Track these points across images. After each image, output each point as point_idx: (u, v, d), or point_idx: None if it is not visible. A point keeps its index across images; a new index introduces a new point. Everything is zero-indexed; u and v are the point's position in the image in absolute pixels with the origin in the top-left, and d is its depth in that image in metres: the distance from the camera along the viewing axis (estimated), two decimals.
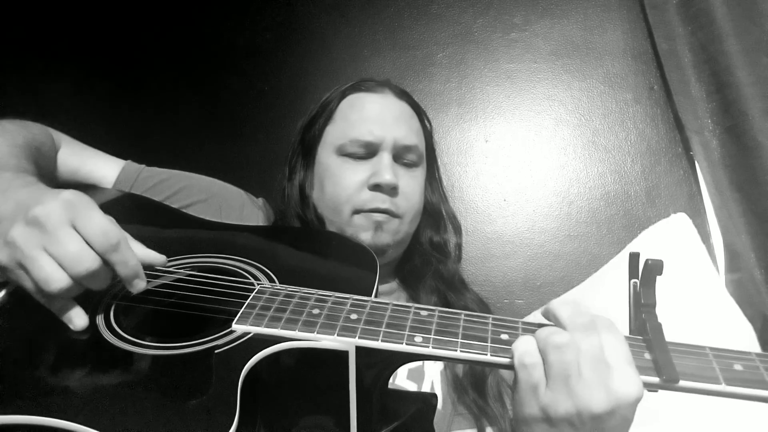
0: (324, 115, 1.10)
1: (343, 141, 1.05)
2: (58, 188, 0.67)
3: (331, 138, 1.08)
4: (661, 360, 0.58)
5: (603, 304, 0.66)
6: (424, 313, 0.65)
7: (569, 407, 0.56)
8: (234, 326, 0.63)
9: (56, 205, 0.62)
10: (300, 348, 0.62)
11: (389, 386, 0.67)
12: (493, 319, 0.65)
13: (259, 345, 0.61)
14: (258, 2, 1.63)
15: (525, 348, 0.59)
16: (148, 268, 0.68)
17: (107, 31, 1.65)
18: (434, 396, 0.71)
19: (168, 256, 0.78)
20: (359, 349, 0.61)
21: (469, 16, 1.55)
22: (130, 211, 0.95)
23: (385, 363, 0.64)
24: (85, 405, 0.56)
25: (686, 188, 1.39)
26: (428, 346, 0.61)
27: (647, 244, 1.28)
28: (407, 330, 0.62)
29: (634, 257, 0.64)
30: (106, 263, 0.63)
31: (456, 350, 0.60)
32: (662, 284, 0.63)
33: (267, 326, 0.63)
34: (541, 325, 0.63)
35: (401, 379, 0.95)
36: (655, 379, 0.57)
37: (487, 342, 0.61)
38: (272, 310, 0.65)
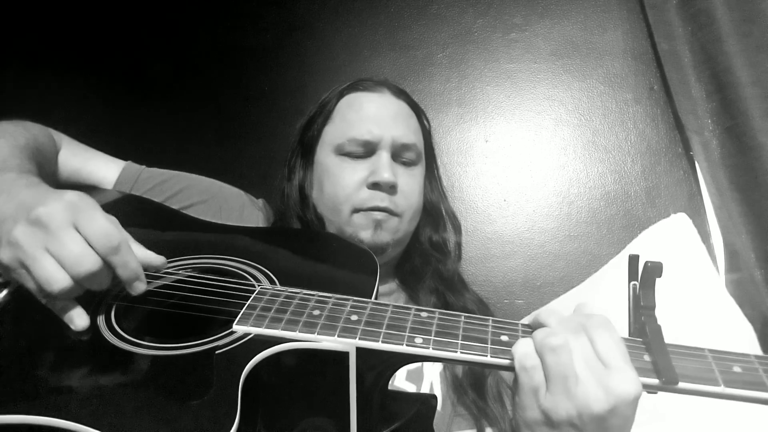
0: (322, 115, 1.11)
1: (341, 140, 1.05)
2: (60, 189, 0.68)
3: (330, 138, 1.08)
4: (661, 362, 0.58)
5: (603, 304, 0.66)
6: (424, 314, 0.65)
7: (569, 409, 0.56)
8: (235, 327, 0.63)
9: (59, 206, 0.62)
10: (301, 349, 0.62)
11: (389, 387, 0.67)
12: (493, 320, 0.65)
13: (259, 346, 0.61)
14: (258, 2, 1.63)
15: (524, 350, 0.59)
16: (149, 270, 0.68)
17: (107, 32, 1.65)
18: (434, 397, 0.71)
19: (168, 257, 0.78)
20: (360, 350, 0.61)
21: (469, 16, 1.55)
22: (131, 212, 0.95)
23: (385, 364, 0.64)
24: (86, 405, 0.56)
25: (686, 188, 1.39)
26: (428, 348, 0.61)
27: (647, 244, 1.28)
28: (407, 331, 0.63)
29: (633, 259, 0.64)
30: (107, 265, 0.63)
31: (456, 351, 0.60)
32: (662, 284, 0.63)
33: (268, 327, 0.63)
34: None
35: (400, 380, 0.95)
36: (655, 381, 0.58)
37: (487, 343, 0.61)
38: (273, 311, 0.65)
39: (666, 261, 0.62)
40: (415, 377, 0.96)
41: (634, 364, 0.58)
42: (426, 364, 0.98)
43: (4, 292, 0.70)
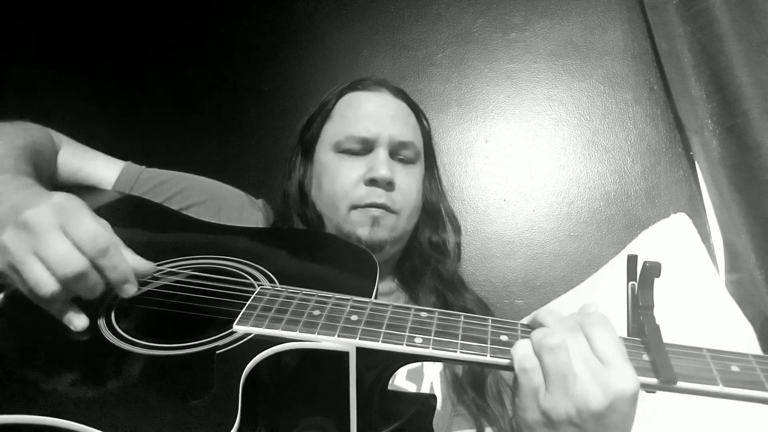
0: (322, 114, 1.12)
1: (339, 138, 1.06)
2: (56, 190, 0.68)
3: (329, 136, 1.09)
4: (659, 361, 0.58)
5: (603, 304, 0.66)
6: (424, 314, 0.66)
7: (569, 408, 0.56)
8: (235, 327, 0.63)
9: (46, 208, 0.62)
10: (301, 349, 0.62)
11: (388, 386, 0.67)
12: (493, 320, 0.65)
13: (260, 346, 0.61)
14: (258, 2, 1.63)
15: (523, 352, 0.59)
16: (136, 277, 0.68)
17: (107, 32, 1.65)
18: (434, 397, 0.71)
19: (168, 258, 0.79)
20: (360, 350, 0.61)
21: (469, 16, 1.55)
22: (130, 212, 0.96)
23: (385, 364, 0.64)
24: (86, 405, 0.57)
25: (686, 188, 1.39)
26: (428, 347, 0.61)
27: (647, 244, 1.28)
28: (407, 331, 0.63)
29: (632, 259, 0.65)
30: (97, 268, 0.63)
31: (456, 351, 0.61)
32: (662, 284, 0.63)
33: (268, 327, 0.63)
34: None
35: (400, 380, 0.95)
36: (653, 380, 0.58)
37: (486, 343, 0.62)
38: (273, 311, 0.65)
39: (666, 261, 0.63)
40: (416, 376, 0.96)
41: (632, 364, 0.58)
42: (426, 363, 0.98)
43: (2, 294, 0.70)
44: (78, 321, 0.65)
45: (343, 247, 0.91)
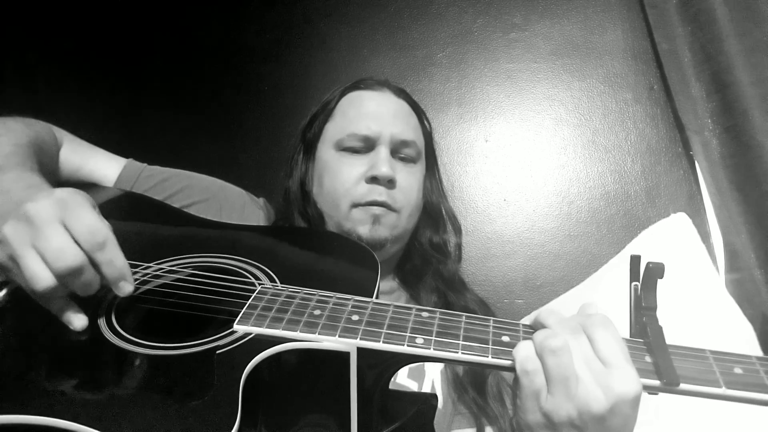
0: (324, 113, 1.12)
1: (341, 136, 1.06)
2: (59, 187, 0.68)
3: (331, 134, 1.09)
4: (662, 363, 0.58)
5: (602, 304, 0.66)
6: (425, 314, 0.65)
7: (570, 410, 0.56)
8: (235, 327, 0.63)
9: (47, 202, 0.62)
10: (301, 349, 0.62)
11: (390, 385, 0.67)
12: (494, 320, 0.65)
13: (260, 346, 0.61)
14: (258, 2, 1.63)
15: (525, 354, 0.59)
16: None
17: (108, 31, 1.65)
18: (434, 396, 0.71)
19: (169, 256, 0.79)
20: (361, 350, 0.61)
21: (469, 16, 1.55)
22: (131, 210, 0.96)
23: (386, 364, 0.64)
24: (86, 405, 0.57)
25: (686, 188, 1.39)
26: (429, 348, 0.61)
27: (647, 243, 1.28)
28: (408, 331, 0.62)
29: (635, 260, 0.64)
30: (93, 264, 0.63)
31: (457, 352, 0.60)
32: (662, 284, 0.63)
33: (268, 327, 0.63)
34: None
35: (402, 378, 0.95)
36: (656, 382, 0.58)
37: (488, 344, 0.61)
38: (274, 310, 0.65)
39: (666, 261, 0.62)
40: (417, 375, 0.96)
41: (635, 365, 0.57)
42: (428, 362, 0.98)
43: (4, 291, 0.70)
44: (77, 321, 0.65)
45: (345, 245, 0.91)
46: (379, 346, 0.61)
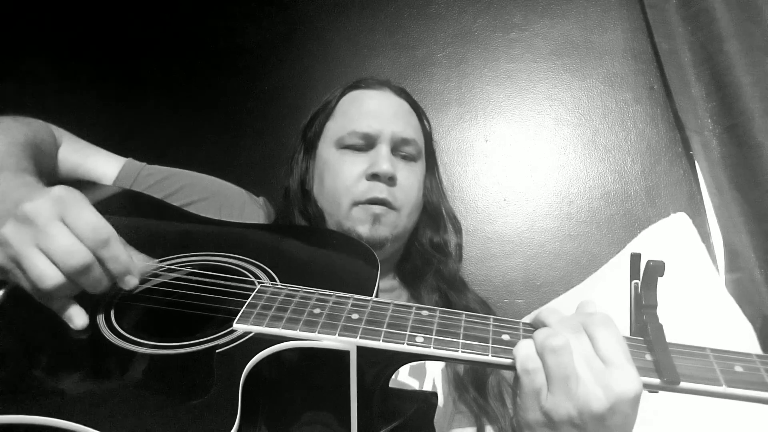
0: (324, 112, 1.13)
1: (342, 134, 1.07)
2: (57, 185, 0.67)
3: (331, 133, 1.09)
4: (662, 361, 0.58)
5: (602, 304, 0.66)
6: (425, 313, 0.65)
7: (570, 408, 0.56)
8: (235, 325, 0.63)
9: (45, 201, 0.62)
10: (301, 348, 0.62)
11: (391, 382, 0.67)
12: (494, 319, 0.65)
13: (260, 345, 0.61)
14: (258, 2, 1.63)
15: (526, 353, 0.59)
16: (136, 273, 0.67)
17: (109, 30, 1.65)
18: (434, 395, 0.71)
19: (168, 254, 0.79)
20: (360, 349, 0.61)
21: (469, 16, 1.55)
22: (131, 208, 0.96)
23: (386, 363, 0.64)
24: (86, 405, 0.56)
25: (686, 188, 1.39)
26: (429, 347, 0.61)
27: (647, 243, 1.28)
28: (408, 330, 0.62)
29: (635, 258, 0.64)
30: (98, 260, 0.63)
31: (457, 351, 0.60)
32: (662, 284, 0.63)
33: (268, 326, 0.62)
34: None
35: (403, 376, 0.95)
36: (656, 381, 0.58)
37: (488, 343, 0.61)
38: (273, 309, 0.65)
39: (666, 260, 0.62)
40: (418, 373, 0.96)
41: (635, 364, 0.57)
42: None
43: (2, 291, 0.70)
44: (78, 319, 0.65)
45: (344, 243, 0.91)
46: (379, 344, 0.61)
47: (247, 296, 0.67)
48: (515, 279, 1.39)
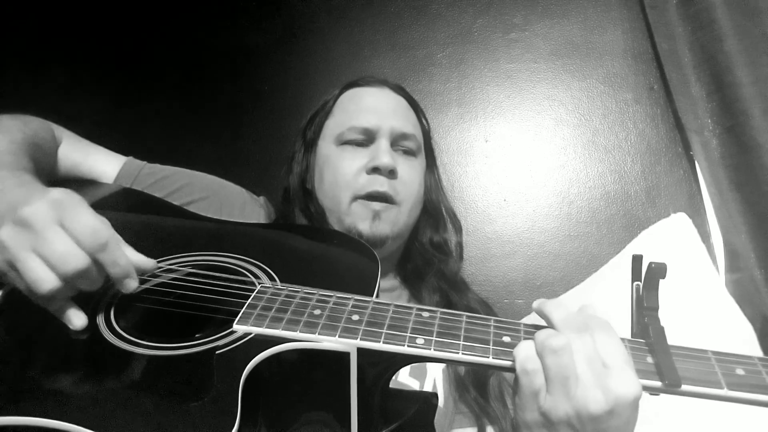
0: (323, 111, 1.13)
1: (341, 130, 1.07)
2: (55, 185, 0.67)
3: (331, 130, 1.10)
4: (664, 364, 0.57)
5: (602, 305, 0.65)
6: (425, 314, 0.65)
7: (568, 409, 0.56)
8: (235, 326, 0.63)
9: (43, 204, 0.61)
10: (301, 349, 0.61)
11: (391, 383, 0.67)
12: (495, 321, 0.65)
13: (260, 346, 0.61)
14: (258, 2, 1.63)
15: (526, 354, 0.59)
16: (138, 273, 0.67)
17: (109, 30, 1.65)
18: (435, 395, 0.70)
19: (168, 254, 0.78)
20: (361, 351, 0.61)
21: (469, 16, 1.55)
22: (131, 207, 0.95)
23: (386, 364, 0.64)
24: (85, 406, 0.56)
25: (686, 188, 1.39)
26: (430, 349, 0.61)
27: (647, 244, 1.28)
28: (409, 332, 0.62)
29: (637, 260, 0.64)
30: (96, 263, 0.62)
31: (458, 353, 0.60)
32: (662, 284, 0.63)
33: (268, 327, 0.62)
34: (541, 328, 0.63)
35: (404, 376, 0.95)
36: (657, 383, 0.57)
37: (489, 345, 0.61)
38: (273, 310, 0.65)
39: (666, 261, 0.62)
40: (419, 374, 0.96)
41: (636, 366, 0.57)
42: None
43: (1, 292, 0.69)
44: (77, 320, 0.64)
45: (345, 242, 0.91)
46: (379, 346, 0.61)
47: (247, 297, 0.67)
48: (515, 279, 1.39)
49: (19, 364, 0.62)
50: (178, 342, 0.63)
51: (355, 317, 0.64)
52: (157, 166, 1.06)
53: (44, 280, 0.60)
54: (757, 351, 1.14)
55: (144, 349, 0.63)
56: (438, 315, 0.65)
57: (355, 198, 1.02)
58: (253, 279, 0.73)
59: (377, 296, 0.71)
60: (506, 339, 0.62)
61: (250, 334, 0.63)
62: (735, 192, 1.27)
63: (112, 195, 0.97)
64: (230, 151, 1.54)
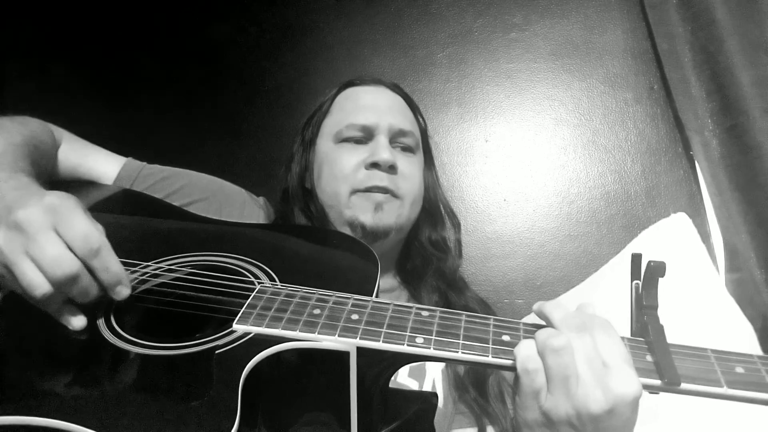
0: (321, 111, 1.14)
1: (339, 128, 1.07)
2: (55, 186, 0.67)
3: (329, 129, 1.10)
4: (663, 362, 0.57)
5: (602, 304, 0.65)
6: (425, 313, 0.65)
7: (569, 409, 0.56)
8: (235, 326, 0.63)
9: (38, 209, 0.62)
10: (301, 348, 0.61)
11: (390, 383, 0.67)
12: (495, 320, 0.65)
13: (260, 345, 0.61)
14: (258, 2, 1.63)
15: (527, 353, 0.59)
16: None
17: (109, 30, 1.65)
18: (435, 395, 0.71)
19: (168, 254, 0.78)
20: (360, 350, 0.61)
21: (469, 16, 1.55)
22: (131, 208, 0.95)
23: (386, 364, 0.64)
24: (86, 406, 0.56)
25: (686, 188, 1.39)
26: (429, 348, 0.61)
27: (647, 244, 1.28)
28: (408, 331, 0.62)
29: (636, 258, 0.64)
30: (88, 270, 0.63)
31: (457, 351, 0.60)
32: (662, 284, 0.63)
33: (268, 326, 0.62)
34: (540, 327, 0.63)
35: (402, 377, 0.95)
36: (657, 382, 0.57)
37: (488, 343, 0.61)
38: (273, 310, 0.65)
39: (666, 261, 0.62)
40: (418, 374, 0.96)
41: (636, 365, 0.57)
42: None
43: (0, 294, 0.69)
44: (76, 321, 0.64)
45: (344, 243, 0.91)
46: (379, 345, 0.61)
47: (246, 296, 0.67)
48: (515, 279, 1.39)
49: (19, 364, 0.63)
50: (178, 342, 0.63)
51: (355, 316, 0.64)
52: (157, 167, 1.06)
53: (36, 285, 0.60)
54: (757, 351, 1.14)
55: (144, 348, 0.63)
56: (437, 314, 0.65)
57: (354, 191, 1.03)
58: (253, 279, 0.73)
59: (377, 296, 0.71)
60: (506, 338, 0.62)
61: (250, 333, 0.63)
62: (735, 192, 1.27)
63: (112, 196, 0.97)
64: (230, 151, 1.54)
